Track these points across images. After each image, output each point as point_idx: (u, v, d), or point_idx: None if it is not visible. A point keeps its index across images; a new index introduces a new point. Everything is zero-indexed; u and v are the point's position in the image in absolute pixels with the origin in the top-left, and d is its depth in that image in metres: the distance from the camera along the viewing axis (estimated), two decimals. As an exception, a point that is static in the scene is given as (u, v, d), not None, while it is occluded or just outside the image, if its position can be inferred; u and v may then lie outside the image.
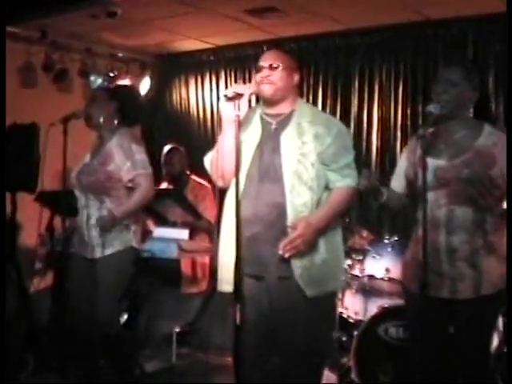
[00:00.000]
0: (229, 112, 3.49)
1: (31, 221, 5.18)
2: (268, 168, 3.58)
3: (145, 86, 7.29)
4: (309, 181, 3.52)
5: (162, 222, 5.76)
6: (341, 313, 5.06)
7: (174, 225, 5.72)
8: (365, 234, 5.19)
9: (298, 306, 3.53)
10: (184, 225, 5.69)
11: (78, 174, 4.50)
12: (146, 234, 5.37)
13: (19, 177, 5.77)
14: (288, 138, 3.58)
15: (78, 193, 4.52)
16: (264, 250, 3.55)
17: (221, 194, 3.95)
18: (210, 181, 4.74)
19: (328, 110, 6.59)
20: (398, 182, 3.70)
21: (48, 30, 6.28)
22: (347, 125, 6.41)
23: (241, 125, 3.44)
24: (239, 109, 3.40)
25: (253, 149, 3.62)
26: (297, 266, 3.50)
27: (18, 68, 6.45)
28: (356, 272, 5.07)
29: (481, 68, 4.91)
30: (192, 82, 7.56)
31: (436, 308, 3.39)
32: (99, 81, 6.78)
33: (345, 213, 3.73)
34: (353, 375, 4.53)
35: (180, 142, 6.44)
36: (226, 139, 3.55)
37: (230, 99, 3.48)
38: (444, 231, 3.40)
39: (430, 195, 3.41)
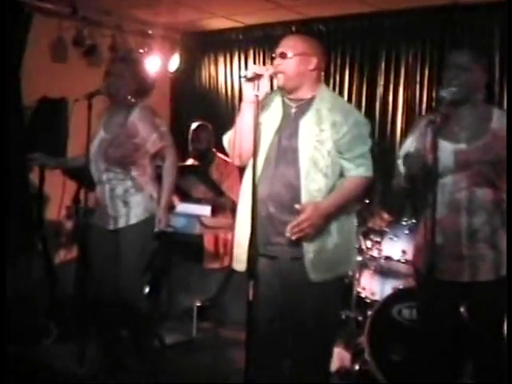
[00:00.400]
0: (248, 92, 3.55)
1: (59, 193, 5.26)
2: (285, 152, 3.61)
3: (174, 63, 7.35)
4: (324, 168, 3.55)
5: (186, 198, 5.85)
6: (358, 293, 5.13)
7: (197, 201, 5.80)
8: (385, 216, 5.23)
9: (307, 288, 3.58)
10: (207, 201, 5.77)
11: (100, 148, 4.60)
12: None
13: (47, 149, 5.90)
14: (306, 124, 3.60)
15: (99, 166, 4.60)
16: (278, 231, 3.60)
17: (241, 172, 4.02)
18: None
19: (354, 92, 6.64)
20: (406, 165, 3.69)
21: (79, 5, 6.37)
22: (373, 107, 6.52)
23: (260, 106, 3.49)
24: (258, 89, 3.44)
25: (272, 131, 3.65)
26: (308, 250, 3.55)
27: (49, 43, 6.54)
28: (374, 253, 5.13)
29: (489, 50, 4.90)
30: (221, 60, 7.62)
31: (453, 292, 3.48)
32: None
33: (354, 201, 3.70)
34: (366, 355, 4.60)
35: (207, 120, 6.50)
36: (244, 119, 3.60)
37: (249, 80, 3.52)
38: (465, 213, 3.45)
39: (449, 178, 3.47)
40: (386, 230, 5.10)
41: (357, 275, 5.13)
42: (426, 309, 3.62)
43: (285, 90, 3.70)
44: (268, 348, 3.77)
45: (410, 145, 3.68)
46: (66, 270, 5.82)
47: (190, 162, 6.29)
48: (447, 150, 3.44)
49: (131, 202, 4.55)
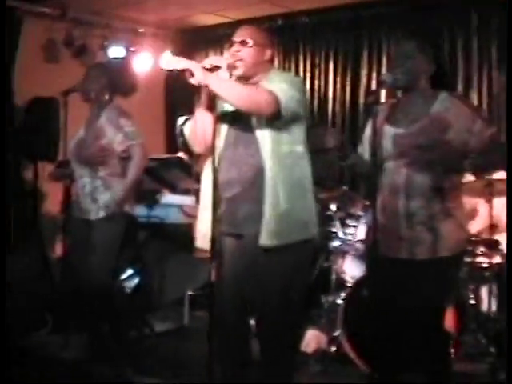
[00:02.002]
0: None
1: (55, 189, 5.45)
2: (243, 132, 3.72)
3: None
4: (279, 137, 3.65)
5: (172, 189, 6.02)
6: (339, 277, 5.26)
7: (184, 192, 5.97)
8: (361, 200, 5.35)
9: (263, 258, 3.67)
10: (193, 192, 5.93)
11: (75, 148, 4.82)
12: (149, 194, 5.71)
13: (40, 148, 6.12)
14: None
15: (74, 163, 4.84)
16: (242, 210, 3.72)
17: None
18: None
19: (339, 81, 6.78)
20: (362, 150, 3.87)
21: (68, 7, 6.56)
22: (356, 95, 6.65)
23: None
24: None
25: (229, 117, 3.79)
26: (264, 219, 3.63)
27: (41, 44, 6.72)
28: (350, 238, 5.26)
29: (435, 41, 4.98)
30: (211, 55, 7.69)
31: (395, 268, 3.59)
32: (120, 55, 7.03)
33: (251, 106, 3.58)
34: (339, 336, 4.75)
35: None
36: (203, 109, 3.77)
37: (208, 70, 3.69)
38: (403, 196, 3.54)
39: (391, 163, 3.59)
40: (361, 214, 5.22)
41: (339, 260, 5.26)
42: (372, 285, 3.74)
43: (242, 79, 3.83)
44: (235, 329, 3.94)
45: (366, 131, 3.82)
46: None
47: (180, 155, 6.44)
48: (388, 134, 3.57)
49: (99, 200, 4.75)
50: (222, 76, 3.62)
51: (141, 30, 7.39)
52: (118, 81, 4.87)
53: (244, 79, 3.78)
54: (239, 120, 3.76)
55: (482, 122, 3.49)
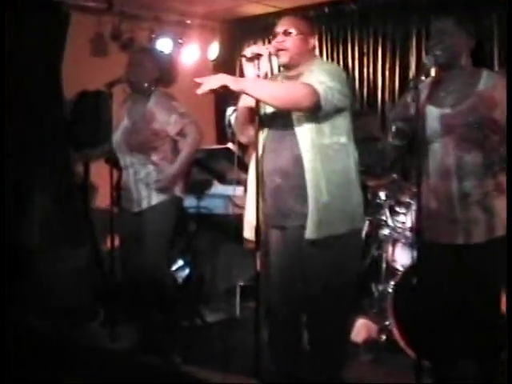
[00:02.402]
0: (250, 72, 3.73)
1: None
2: (284, 124, 3.74)
3: (214, 51, 7.49)
4: (320, 129, 3.67)
5: (221, 180, 6.02)
6: (391, 265, 5.19)
7: (232, 182, 5.96)
8: (410, 188, 5.26)
9: (310, 249, 3.70)
10: (241, 183, 5.92)
11: (122, 137, 4.83)
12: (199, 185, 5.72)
13: (90, 141, 6.17)
14: None
15: (122, 153, 4.86)
16: (286, 202, 3.76)
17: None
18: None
19: (387, 68, 6.70)
20: (392, 135, 3.81)
21: (116, 1, 6.60)
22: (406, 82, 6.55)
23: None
24: (259, 69, 3.67)
25: (272, 109, 3.79)
26: (306, 211, 3.66)
27: (89, 38, 6.77)
28: (400, 225, 5.18)
29: (476, 15, 4.85)
30: (260, 45, 7.69)
31: (450, 254, 3.53)
32: (168, 47, 7.04)
33: (290, 103, 3.62)
34: (389, 324, 4.69)
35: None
36: (248, 98, 3.76)
37: (249, 59, 3.71)
38: (455, 178, 3.51)
39: (437, 144, 3.54)
40: (411, 201, 5.14)
41: (390, 248, 5.20)
42: (425, 272, 3.67)
43: (286, 67, 3.84)
44: (284, 321, 3.94)
45: (399, 110, 3.77)
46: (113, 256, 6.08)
47: (229, 145, 6.43)
48: (433, 114, 3.52)
49: (152, 185, 4.77)
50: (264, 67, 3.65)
51: (188, 22, 7.38)
52: (162, 69, 4.90)
53: (288, 68, 3.85)
54: (280, 112, 3.76)
55: None
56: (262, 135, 3.79)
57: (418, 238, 3.55)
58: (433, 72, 3.66)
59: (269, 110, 3.80)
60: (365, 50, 6.83)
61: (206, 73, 7.56)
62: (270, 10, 7.31)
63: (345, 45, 7.03)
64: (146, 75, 4.80)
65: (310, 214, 3.64)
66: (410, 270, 4.66)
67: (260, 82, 3.67)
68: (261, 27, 7.43)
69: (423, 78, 3.54)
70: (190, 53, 7.33)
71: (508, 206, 3.42)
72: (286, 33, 3.77)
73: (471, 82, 3.53)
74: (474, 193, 3.48)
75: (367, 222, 5.39)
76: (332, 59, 7.04)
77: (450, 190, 3.52)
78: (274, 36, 3.81)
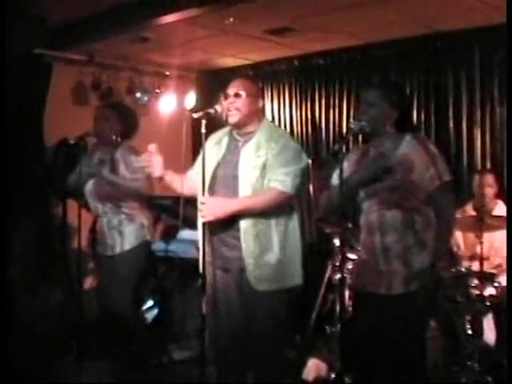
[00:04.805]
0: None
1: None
2: (227, 179, 4.10)
3: (191, 100, 7.81)
4: (258, 189, 4.02)
5: (190, 225, 6.33)
6: (343, 308, 5.47)
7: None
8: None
9: (253, 297, 4.03)
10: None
11: (94, 186, 5.16)
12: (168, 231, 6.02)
13: (69, 187, 6.48)
14: (246, 153, 4.08)
15: (95, 202, 5.19)
16: (228, 247, 4.10)
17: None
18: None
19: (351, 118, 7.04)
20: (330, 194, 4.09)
21: (96, 53, 6.98)
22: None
23: (209, 141, 4.20)
24: (206, 128, 4.01)
25: (215, 164, 4.17)
26: (249, 262, 4.00)
27: (70, 88, 7.16)
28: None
29: (399, 87, 5.18)
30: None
31: (374, 303, 3.83)
32: (145, 98, 7.42)
33: (265, 209, 4.02)
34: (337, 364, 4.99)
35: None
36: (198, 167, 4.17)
37: (197, 118, 4.07)
38: (378, 233, 3.81)
39: (365, 203, 3.89)
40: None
41: (343, 292, 5.49)
42: (357, 317, 4.00)
43: (237, 126, 4.17)
44: (230, 360, 4.25)
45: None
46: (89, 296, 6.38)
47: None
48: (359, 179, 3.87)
49: (125, 232, 5.11)
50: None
51: (167, 73, 7.77)
52: (126, 123, 5.22)
53: (238, 127, 4.16)
54: (226, 167, 4.15)
55: (434, 170, 3.71)
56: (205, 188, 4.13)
57: (341, 286, 3.85)
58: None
59: (212, 167, 4.16)
60: (331, 103, 7.21)
61: (183, 121, 8.05)
62: (244, 62, 7.71)
63: (312, 97, 7.41)
64: (111, 128, 5.13)
65: (246, 265, 4.01)
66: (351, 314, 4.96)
67: (239, 200, 4.02)
68: (235, 78, 7.75)
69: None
70: (168, 102, 7.71)
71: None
72: (237, 95, 4.11)
73: (393, 147, 3.81)
74: (394, 247, 3.76)
75: (329, 267, 5.75)
76: (300, 110, 7.43)
77: (375, 243, 3.82)
78: (226, 97, 4.14)
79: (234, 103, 4.10)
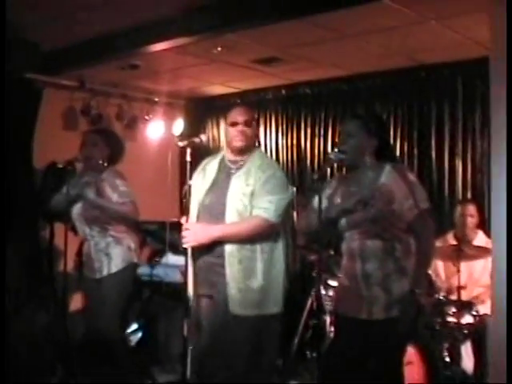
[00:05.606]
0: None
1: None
2: (216, 204, 4.20)
3: (179, 126, 7.90)
4: (246, 217, 4.13)
5: (173, 250, 6.43)
6: (325, 333, 5.60)
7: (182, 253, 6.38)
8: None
9: (233, 321, 4.12)
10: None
11: (81, 210, 5.22)
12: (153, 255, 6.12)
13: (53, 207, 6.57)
14: (237, 181, 4.19)
15: (82, 225, 5.25)
16: (213, 274, 4.19)
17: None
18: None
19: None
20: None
21: (86, 79, 7.10)
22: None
23: (197, 169, 4.30)
24: (190, 156, 4.12)
25: (204, 192, 4.28)
26: (232, 286, 4.09)
27: (61, 113, 7.26)
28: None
29: (377, 116, 5.35)
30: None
31: (355, 328, 3.92)
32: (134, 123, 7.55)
33: (249, 237, 4.11)
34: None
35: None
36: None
37: (182, 147, 4.19)
38: (359, 260, 3.91)
39: (347, 233, 3.98)
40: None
41: (325, 318, 5.61)
42: (335, 343, 4.09)
43: (237, 152, 4.26)
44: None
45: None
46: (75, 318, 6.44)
47: (182, 219, 6.83)
48: (340, 209, 3.97)
49: (112, 254, 5.19)
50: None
51: (156, 100, 7.90)
52: (113, 148, 5.30)
53: (240, 153, 4.26)
54: (214, 195, 4.25)
55: (412, 200, 3.80)
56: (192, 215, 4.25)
57: (320, 312, 3.93)
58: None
59: (200, 195, 4.27)
60: (316, 132, 7.35)
61: (168, 149, 8.17)
62: (232, 90, 7.86)
63: (298, 125, 7.55)
64: (98, 153, 5.21)
65: (229, 291, 4.10)
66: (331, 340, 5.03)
67: (222, 226, 4.13)
68: (223, 105, 7.92)
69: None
70: (156, 128, 7.83)
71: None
72: (247, 122, 4.22)
73: (374, 178, 3.91)
74: (375, 274, 3.85)
75: (312, 294, 5.85)
76: (287, 138, 7.57)
77: (356, 270, 3.91)
78: (233, 125, 4.24)
79: (243, 130, 4.21)
